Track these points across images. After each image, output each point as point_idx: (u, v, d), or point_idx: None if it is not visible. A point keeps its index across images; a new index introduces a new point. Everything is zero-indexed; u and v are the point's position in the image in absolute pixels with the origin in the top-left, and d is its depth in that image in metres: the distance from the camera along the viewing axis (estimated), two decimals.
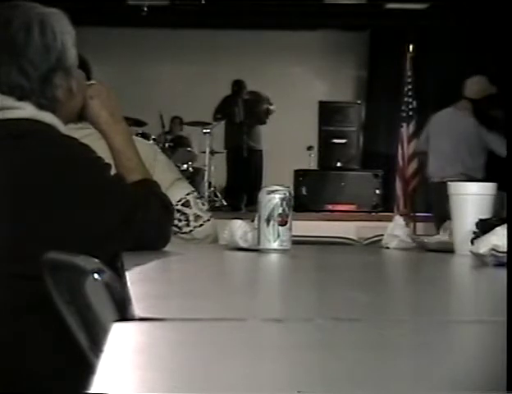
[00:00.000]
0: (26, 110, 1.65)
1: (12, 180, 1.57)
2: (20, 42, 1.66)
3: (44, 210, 1.55)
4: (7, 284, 1.53)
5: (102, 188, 1.64)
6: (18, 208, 1.56)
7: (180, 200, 2.11)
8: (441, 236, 1.94)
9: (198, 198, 2.23)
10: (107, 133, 1.84)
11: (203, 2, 9.75)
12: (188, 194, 2.19)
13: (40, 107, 1.68)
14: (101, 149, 1.74)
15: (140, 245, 1.67)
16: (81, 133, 1.84)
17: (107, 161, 1.70)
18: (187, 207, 2.15)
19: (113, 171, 1.74)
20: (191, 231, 2.16)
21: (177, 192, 2.08)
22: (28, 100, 1.67)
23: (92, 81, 1.94)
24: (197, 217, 2.17)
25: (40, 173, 1.58)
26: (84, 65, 2.04)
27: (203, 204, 2.26)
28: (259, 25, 11.06)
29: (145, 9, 9.75)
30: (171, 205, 1.85)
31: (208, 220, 2.20)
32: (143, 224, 1.67)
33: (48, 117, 1.66)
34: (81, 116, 2.07)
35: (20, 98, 1.66)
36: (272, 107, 9.89)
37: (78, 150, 1.64)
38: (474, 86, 6.14)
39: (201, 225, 2.18)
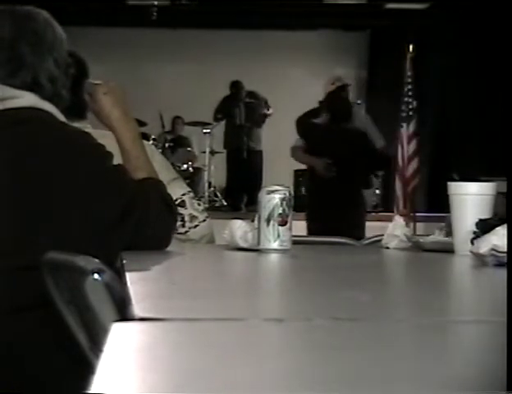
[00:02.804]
0: (27, 99, 1.67)
1: (13, 167, 1.58)
2: (50, 36, 1.73)
3: (44, 197, 1.56)
4: (8, 279, 1.53)
5: (102, 175, 1.64)
6: (19, 195, 1.56)
7: (175, 200, 2.11)
8: (436, 236, 1.94)
9: (194, 198, 2.23)
10: (118, 130, 1.86)
11: (196, 3, 9.78)
12: (184, 195, 2.18)
13: (61, 99, 1.73)
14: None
15: (139, 241, 1.67)
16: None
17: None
18: (183, 207, 2.15)
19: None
20: (187, 231, 2.16)
21: (173, 192, 2.07)
22: (56, 92, 1.72)
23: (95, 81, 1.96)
24: (192, 217, 2.17)
25: (41, 159, 1.58)
26: (81, 64, 2.05)
27: (199, 205, 2.25)
28: (259, 25, 11.06)
29: (154, 13, 9.78)
30: (174, 205, 1.84)
31: (204, 221, 2.20)
32: (142, 218, 1.67)
33: (47, 106, 1.68)
34: (81, 112, 2.08)
35: (52, 91, 1.71)
36: (268, 112, 9.86)
37: (79, 136, 1.66)
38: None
39: (196, 225, 2.17)
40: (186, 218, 2.16)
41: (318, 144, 5.66)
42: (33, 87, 1.68)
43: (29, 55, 1.69)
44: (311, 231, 5.47)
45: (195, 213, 2.18)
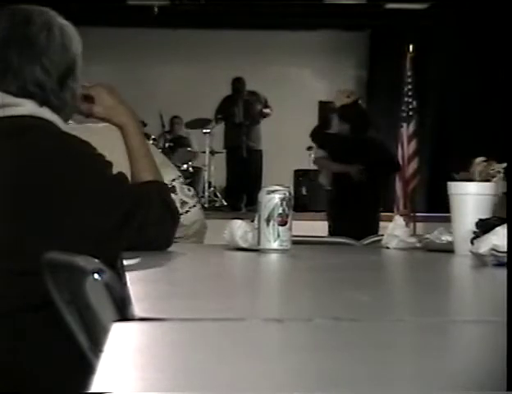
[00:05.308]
0: (27, 107, 1.65)
1: (13, 176, 1.57)
2: (43, 41, 1.68)
3: (44, 207, 1.55)
4: (8, 281, 1.53)
5: (103, 185, 1.64)
6: (19, 205, 1.56)
7: None
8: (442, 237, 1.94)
9: (183, 184, 2.21)
10: (128, 127, 1.82)
11: (202, 2, 9.78)
12: (174, 180, 2.17)
13: (52, 107, 1.69)
14: (100, 147, 1.73)
15: (140, 244, 1.67)
16: (80, 130, 1.83)
17: (108, 158, 1.69)
18: (173, 193, 2.14)
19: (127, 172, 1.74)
20: None
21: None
22: (45, 99, 1.68)
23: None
24: (183, 203, 2.16)
25: (41, 169, 1.58)
26: None
27: (189, 190, 2.24)
28: (259, 25, 11.06)
29: (156, 9, 9.79)
30: (176, 208, 1.83)
31: (194, 206, 2.18)
32: (143, 223, 1.67)
33: (47, 114, 1.67)
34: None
35: (41, 98, 1.67)
36: (267, 111, 9.85)
37: (79, 146, 1.65)
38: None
39: (187, 211, 2.16)
40: (177, 204, 2.15)
41: (338, 154, 6.11)
42: (24, 93, 1.66)
43: (16, 59, 1.65)
44: (335, 232, 5.92)
45: (186, 199, 2.17)
